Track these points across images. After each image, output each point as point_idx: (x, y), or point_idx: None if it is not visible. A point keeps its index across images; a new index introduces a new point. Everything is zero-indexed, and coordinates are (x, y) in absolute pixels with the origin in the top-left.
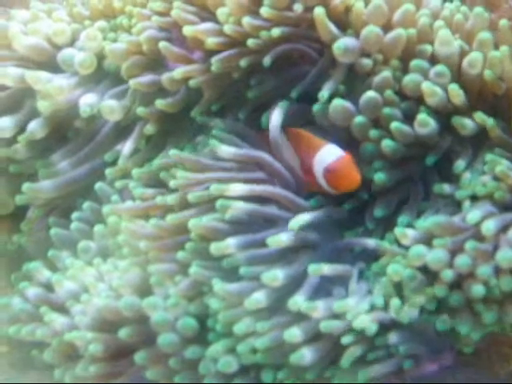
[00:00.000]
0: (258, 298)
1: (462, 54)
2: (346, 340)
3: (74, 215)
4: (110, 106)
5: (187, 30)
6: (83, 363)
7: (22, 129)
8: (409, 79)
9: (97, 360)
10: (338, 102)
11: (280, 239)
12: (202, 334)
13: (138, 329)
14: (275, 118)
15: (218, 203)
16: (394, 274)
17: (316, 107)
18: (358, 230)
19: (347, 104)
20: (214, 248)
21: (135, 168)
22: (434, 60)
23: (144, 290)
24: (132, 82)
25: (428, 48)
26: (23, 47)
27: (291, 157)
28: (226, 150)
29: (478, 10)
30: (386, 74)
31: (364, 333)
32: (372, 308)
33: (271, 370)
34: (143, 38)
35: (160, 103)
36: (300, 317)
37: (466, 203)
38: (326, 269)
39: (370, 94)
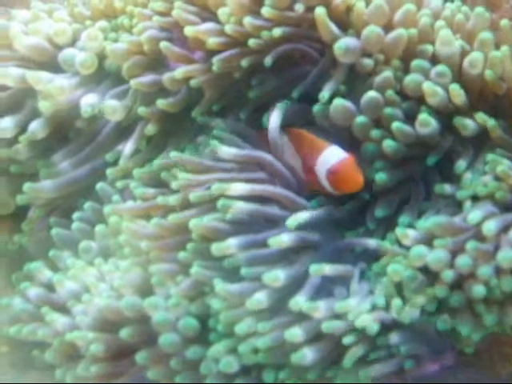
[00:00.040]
0: (260, 299)
1: (463, 54)
2: (347, 340)
3: (75, 215)
4: (112, 106)
5: (188, 31)
6: (84, 363)
7: (23, 129)
8: (410, 79)
9: (98, 360)
10: (338, 102)
11: (281, 240)
12: (203, 334)
13: (139, 329)
14: (274, 118)
15: (220, 203)
16: (395, 274)
17: (316, 108)
18: (359, 230)
19: (348, 104)
20: (215, 248)
21: (136, 168)
22: (434, 60)
23: (145, 290)
24: (133, 82)
25: (429, 48)
26: (24, 47)
27: (292, 157)
28: (226, 151)
29: (479, 10)
30: (387, 74)
31: (365, 333)
32: (373, 308)
33: (272, 370)
34: (144, 37)
35: (161, 103)
36: (301, 317)
37: (467, 203)
38: (328, 269)
39: (372, 94)
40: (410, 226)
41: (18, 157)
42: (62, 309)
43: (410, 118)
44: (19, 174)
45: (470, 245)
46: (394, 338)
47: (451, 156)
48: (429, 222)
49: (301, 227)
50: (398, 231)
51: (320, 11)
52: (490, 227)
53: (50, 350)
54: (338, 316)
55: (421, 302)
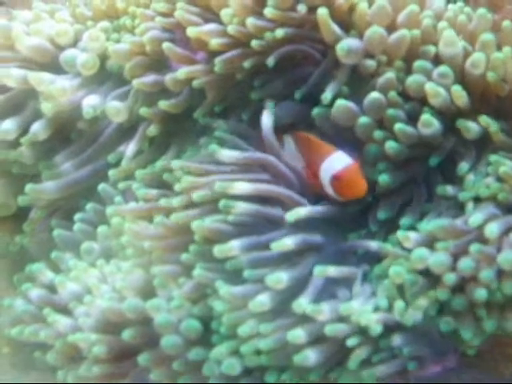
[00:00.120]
0: (263, 301)
1: (466, 55)
2: (350, 342)
3: (77, 216)
4: (115, 108)
5: (191, 31)
6: (86, 365)
7: (25, 131)
8: (412, 80)
9: (100, 361)
10: (341, 102)
11: (284, 243)
12: (206, 336)
13: (141, 331)
14: (266, 119)
15: (221, 204)
16: (396, 276)
17: (316, 111)
18: (361, 231)
19: (350, 104)
20: (218, 250)
21: (138, 169)
22: (437, 61)
23: (147, 292)
24: (135, 82)
25: (431, 49)
26: (26, 48)
27: (297, 160)
28: (227, 155)
29: (481, 11)
30: (389, 75)
31: (368, 335)
32: (376, 310)
33: (275, 371)
34: (146, 38)
35: (163, 104)
36: (304, 318)
37: (470, 205)
38: (332, 270)
39: (374, 95)
40: (412, 228)
41: (22, 159)
42: (64, 310)
43: (412, 119)
44: (20, 175)
45: (474, 247)
46: (396, 339)
47: (454, 157)
48: (431, 224)
49: (303, 229)
50: (400, 234)
51: (322, 12)
52: (493, 230)
53: (52, 351)
54: (341, 318)
55: (423, 304)
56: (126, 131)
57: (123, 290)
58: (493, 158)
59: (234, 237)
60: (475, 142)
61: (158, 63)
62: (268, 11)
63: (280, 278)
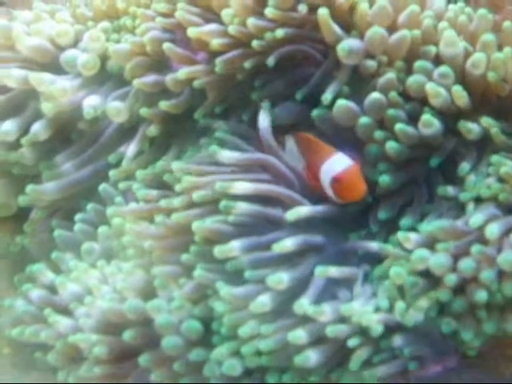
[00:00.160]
0: (264, 301)
1: (467, 55)
2: (351, 343)
3: (78, 217)
4: (116, 108)
5: (192, 32)
6: (87, 365)
7: (25, 132)
8: (413, 80)
9: (101, 362)
10: (342, 102)
11: (285, 245)
12: (207, 337)
13: (142, 331)
14: (262, 119)
15: (222, 204)
16: (397, 277)
17: (315, 112)
18: (361, 232)
19: (351, 104)
20: (219, 251)
21: (139, 170)
22: (437, 61)
23: (148, 293)
24: (136, 82)
25: (432, 49)
26: (26, 48)
27: (296, 160)
28: (227, 156)
29: (482, 11)
30: (390, 75)
31: (369, 335)
32: (377, 310)
33: (276, 372)
34: (147, 38)
35: (164, 104)
36: (305, 319)
37: (470, 206)
38: (333, 271)
39: (375, 95)
40: (412, 228)
41: (23, 161)
42: (65, 311)
43: (413, 119)
44: (21, 176)
45: (475, 248)
46: (397, 340)
47: (454, 158)
48: (431, 225)
49: (304, 229)
50: (400, 235)
51: (323, 12)
52: (493, 230)
53: (53, 352)
54: (342, 319)
55: (424, 305)
56: (127, 131)
57: (124, 291)
58: (494, 158)
59: (234, 237)
60: (476, 142)
61: (159, 63)
62: (268, 11)
63: (281, 278)
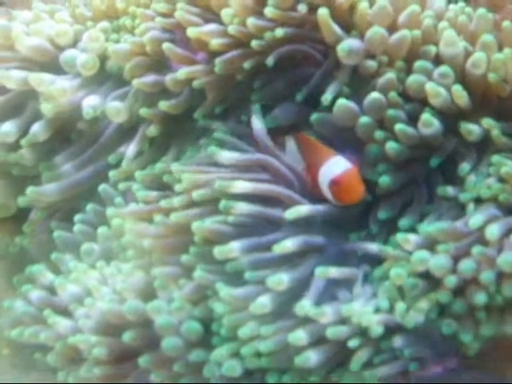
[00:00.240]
0: (264, 302)
1: (467, 55)
2: (352, 343)
3: (77, 217)
4: (115, 108)
5: (191, 32)
6: (87, 366)
7: (24, 133)
8: (412, 80)
9: (101, 363)
10: (342, 102)
11: (285, 245)
12: (207, 338)
13: (141, 332)
14: (256, 122)
15: (221, 204)
16: (397, 278)
17: (314, 116)
18: (361, 233)
19: (351, 104)
20: (218, 252)
21: (139, 170)
22: (437, 61)
23: (148, 294)
24: (135, 82)
25: (432, 49)
26: (26, 48)
27: (296, 161)
28: (226, 156)
29: (481, 11)
30: (389, 75)
31: (370, 336)
32: (377, 311)
33: (276, 373)
34: (147, 38)
35: (163, 104)
36: (305, 320)
37: (470, 206)
38: (333, 272)
39: (375, 95)
40: (412, 229)
41: (22, 162)
42: (64, 312)
43: (413, 119)
44: (20, 176)
45: (476, 249)
46: (397, 341)
47: (455, 158)
48: (431, 227)
49: (304, 230)
50: (399, 236)
51: (323, 12)
52: (493, 231)
53: (53, 353)
54: (343, 320)
55: (424, 306)
56: (126, 132)
57: (124, 292)
58: (495, 158)
59: (234, 238)
60: (476, 142)
61: (158, 63)
62: (268, 11)
63: (281, 279)
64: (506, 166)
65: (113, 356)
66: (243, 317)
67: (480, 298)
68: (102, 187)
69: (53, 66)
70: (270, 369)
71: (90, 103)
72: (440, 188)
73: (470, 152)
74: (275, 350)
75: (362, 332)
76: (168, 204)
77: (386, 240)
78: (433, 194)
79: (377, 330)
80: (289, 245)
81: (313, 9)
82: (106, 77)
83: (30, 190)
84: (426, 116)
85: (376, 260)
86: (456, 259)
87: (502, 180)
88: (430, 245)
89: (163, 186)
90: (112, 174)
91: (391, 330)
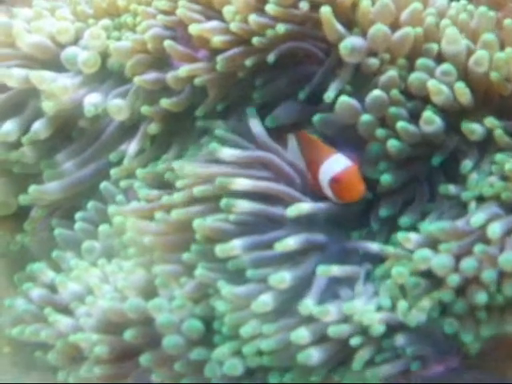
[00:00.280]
0: (266, 301)
1: (469, 53)
2: (354, 341)
3: (78, 215)
4: (117, 105)
5: (193, 29)
6: (88, 365)
7: (25, 131)
8: (414, 77)
9: (102, 362)
10: (344, 99)
11: (287, 243)
12: (208, 337)
13: (143, 331)
14: (254, 125)
15: (223, 202)
16: (399, 276)
17: (316, 117)
18: (363, 230)
19: (353, 101)
20: (220, 250)
21: (140, 168)
22: (439, 59)
23: (149, 292)
24: (136, 79)
25: (434, 47)
26: (27, 45)
27: (298, 159)
28: (228, 153)
29: (482, 9)
30: (391, 73)
31: (371, 334)
32: (379, 309)
33: (277, 372)
34: (148, 36)
35: (165, 102)
36: (307, 318)
37: (472, 204)
38: (335, 270)
39: (376, 92)
40: (412, 227)
41: (23, 159)
42: (65, 310)
43: (414, 117)
44: (21, 174)
45: (478, 248)
46: (399, 339)
47: (457, 156)
48: (432, 226)
49: (306, 228)
50: (400, 235)
51: (326, 10)
52: (495, 230)
53: (53, 351)
54: (346, 319)
55: (426, 305)
56: (128, 130)
57: (125, 290)
58: (498, 156)
59: (235, 236)
60: (479, 141)
61: (160, 61)
62: (270, 8)
63: (283, 277)
64: (510, 163)
65: (114, 354)
66: (245, 315)
67: (481, 298)
68: (103, 185)
69: (54, 64)
70: (272, 367)
71: (92, 101)
72: (442, 186)
73: (472, 150)
74: (277, 348)
75: (364, 330)
76: (169, 200)
77: (388, 238)
78: (434, 192)
79: (378, 328)
80: (291, 243)
81: (314, 6)
82: (107, 74)
83: (32, 188)
84: (427, 114)
85: (378, 258)
86: (458, 258)
87: (504, 178)
88: (431, 244)
89: (164, 184)
90: (113, 171)
91: (393, 328)
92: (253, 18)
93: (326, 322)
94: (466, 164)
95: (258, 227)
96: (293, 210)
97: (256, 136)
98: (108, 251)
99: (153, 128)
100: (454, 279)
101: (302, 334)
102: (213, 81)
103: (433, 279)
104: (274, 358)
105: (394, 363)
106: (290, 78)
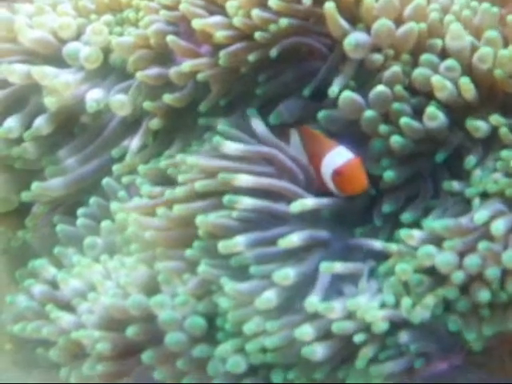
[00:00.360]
0: (269, 297)
1: (473, 49)
2: (358, 338)
3: (80, 211)
4: (119, 101)
5: (196, 24)
6: (90, 362)
7: (27, 127)
8: (418, 73)
9: (104, 359)
10: (347, 94)
11: (291, 240)
12: (211, 334)
13: (145, 327)
14: (257, 125)
15: (225, 198)
16: (402, 273)
17: (321, 114)
18: (366, 227)
19: (356, 96)
20: (223, 246)
21: (142, 164)
22: (443, 55)
23: (152, 288)
24: (139, 75)
25: (438, 42)
26: (28, 40)
27: (300, 154)
28: (232, 147)
29: (485, 5)
30: (395, 68)
31: (375, 331)
32: (382, 306)
33: (281, 369)
34: (151, 31)
35: (167, 98)
36: (311, 315)
37: (476, 201)
38: (339, 266)
39: (380, 88)
40: (415, 223)
41: (25, 155)
42: (67, 307)
43: (418, 113)
44: (23, 170)
45: (482, 245)
46: (403, 336)
47: (461, 152)
48: (435, 224)
49: (310, 224)
50: (403, 232)
51: (330, 6)
52: (499, 227)
53: (55, 348)
54: (350, 316)
55: (430, 302)
56: (130, 125)
57: (127, 286)
58: (504, 153)
59: (238, 232)
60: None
61: (162, 56)
62: (273, 2)
63: (287, 274)
64: None
65: (116, 351)
66: (248, 312)
67: (484, 296)
68: (105, 181)
69: (56, 60)
70: (275, 365)
71: (94, 97)
72: (446, 183)
73: (476, 147)
74: (281, 345)
75: (368, 327)
76: (171, 195)
77: (391, 234)
78: (438, 188)
79: (381, 326)
80: (294, 239)
81: (318, 1)
82: (109, 70)
83: (34, 185)
84: (431, 109)
85: (381, 255)
86: (462, 255)
87: (509, 175)
88: (435, 240)
89: (167, 181)
90: (116, 167)
91: (397, 325)
92: (256, 13)
93: (330, 318)
94: (470, 160)
95: (262, 223)
96: (296, 206)
97: (259, 136)
98: (110, 247)
99: (155, 124)
100: (458, 276)
101: (306, 331)
102: (216, 76)
103: (436, 276)
104: (278, 354)
105: (397, 360)
106: (293, 74)
